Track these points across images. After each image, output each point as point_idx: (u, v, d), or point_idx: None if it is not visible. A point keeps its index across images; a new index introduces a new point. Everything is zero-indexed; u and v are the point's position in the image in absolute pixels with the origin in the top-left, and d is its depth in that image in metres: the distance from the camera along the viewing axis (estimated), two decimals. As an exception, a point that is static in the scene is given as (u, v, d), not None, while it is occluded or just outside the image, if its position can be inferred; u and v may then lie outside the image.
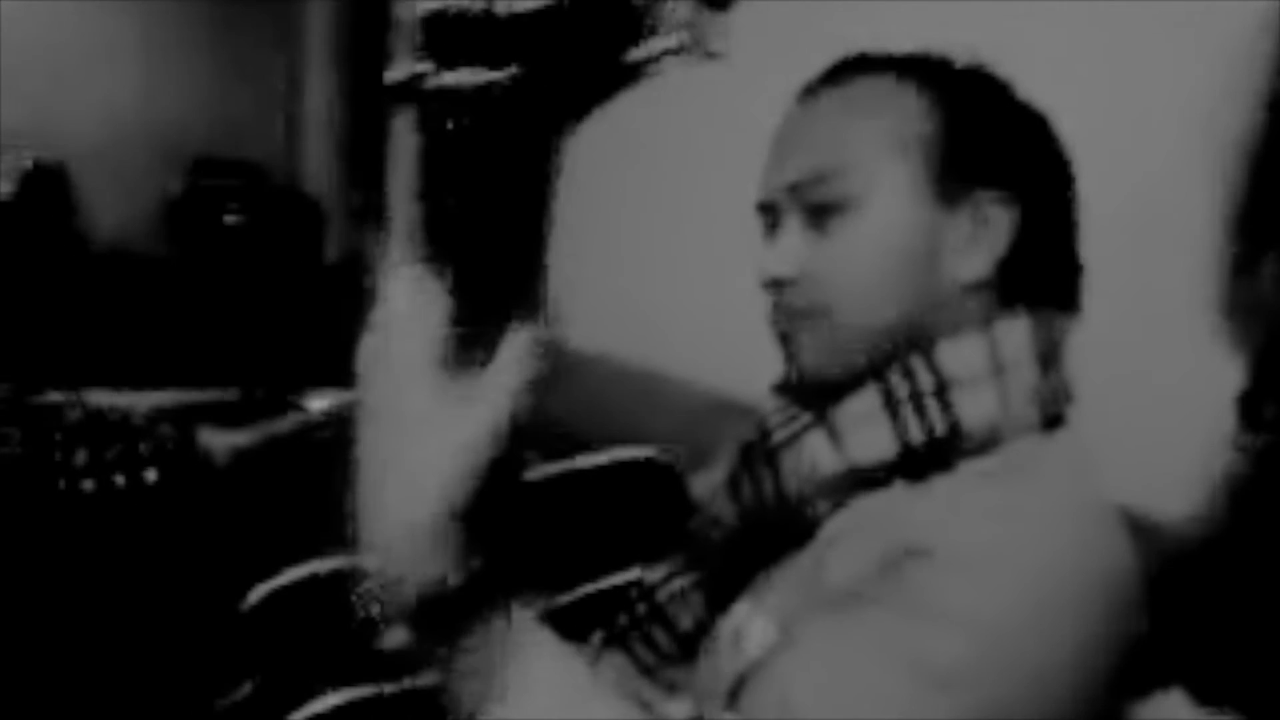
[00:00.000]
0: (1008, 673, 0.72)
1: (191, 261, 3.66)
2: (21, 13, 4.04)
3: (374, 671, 0.92)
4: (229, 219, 3.71)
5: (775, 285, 0.92)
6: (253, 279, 3.38)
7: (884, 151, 0.88)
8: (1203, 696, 0.56)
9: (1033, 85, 0.93)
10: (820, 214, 0.89)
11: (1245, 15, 0.56)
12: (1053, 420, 0.87)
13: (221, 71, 4.37)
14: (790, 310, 0.91)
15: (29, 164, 3.83)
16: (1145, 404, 1.18)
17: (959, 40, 0.94)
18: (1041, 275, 0.89)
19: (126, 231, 3.93)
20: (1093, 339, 0.92)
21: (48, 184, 3.85)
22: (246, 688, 0.96)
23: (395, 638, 0.64)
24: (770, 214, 0.94)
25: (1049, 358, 0.87)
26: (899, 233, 0.88)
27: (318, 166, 4.16)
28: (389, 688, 0.91)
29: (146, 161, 4.14)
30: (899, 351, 0.86)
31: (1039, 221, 0.89)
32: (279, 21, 4.38)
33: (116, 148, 4.19)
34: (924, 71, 0.92)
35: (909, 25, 1.02)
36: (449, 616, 0.63)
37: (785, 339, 0.93)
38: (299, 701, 0.90)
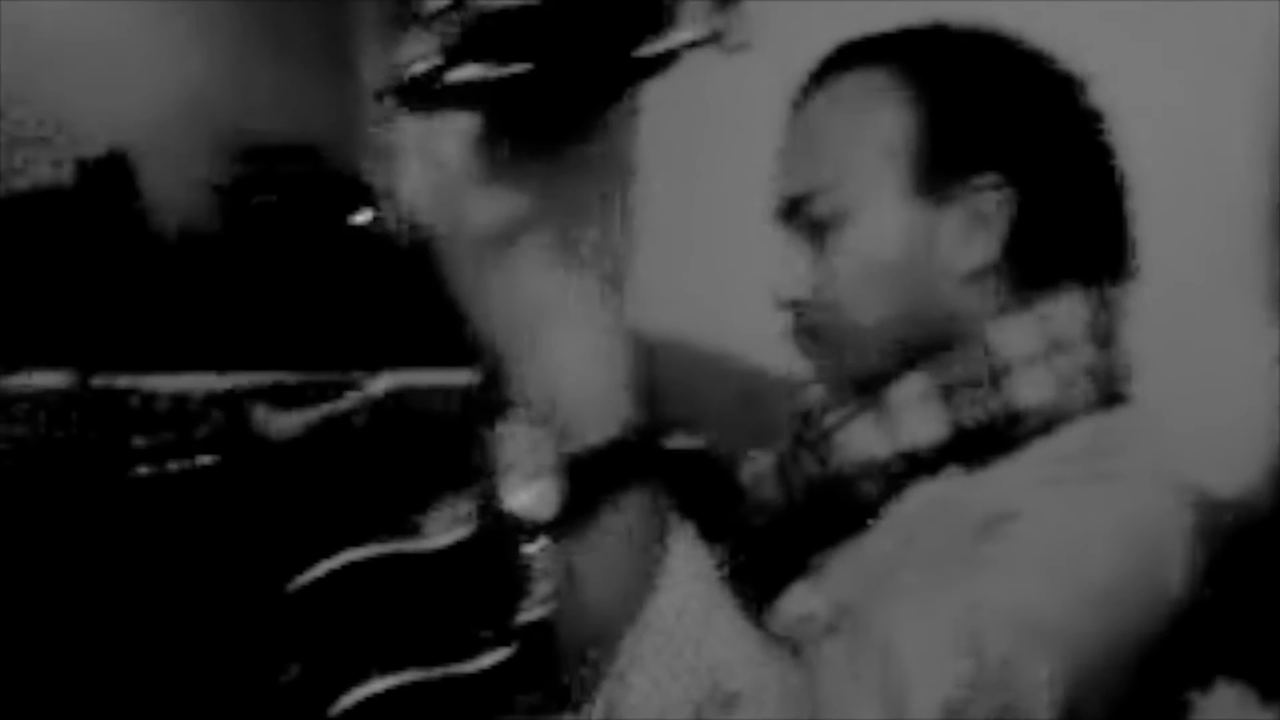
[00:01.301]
0: (1101, 633, 0.72)
1: (249, 245, 3.70)
2: (80, 3, 4.09)
3: (423, 656, 0.93)
4: (283, 201, 3.75)
5: (788, 306, 0.92)
6: (309, 262, 3.40)
7: (868, 159, 0.87)
8: (1266, 692, 0.55)
9: (1085, 58, 0.91)
10: (817, 231, 0.89)
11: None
12: (1113, 397, 0.85)
13: (276, 58, 4.40)
14: (803, 329, 0.92)
15: (90, 152, 3.88)
16: (1203, 380, 1.16)
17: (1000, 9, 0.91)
18: (1074, 247, 0.87)
19: (187, 217, 3.97)
20: (1150, 314, 0.90)
21: (109, 172, 3.90)
22: (295, 670, 0.97)
23: (534, 498, 0.61)
24: (784, 223, 0.93)
25: (1105, 333, 0.86)
26: (890, 241, 0.86)
27: (369, 151, 4.18)
28: (437, 673, 0.91)
29: (204, 147, 4.19)
30: (930, 341, 0.85)
31: (1046, 197, 0.86)
32: (332, 9, 4.40)
33: (175, 134, 4.24)
34: (908, 58, 0.89)
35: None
36: (606, 476, 0.60)
37: (804, 354, 0.93)
38: (348, 685, 0.91)
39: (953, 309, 0.86)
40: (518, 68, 0.50)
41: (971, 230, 0.86)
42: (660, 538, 0.62)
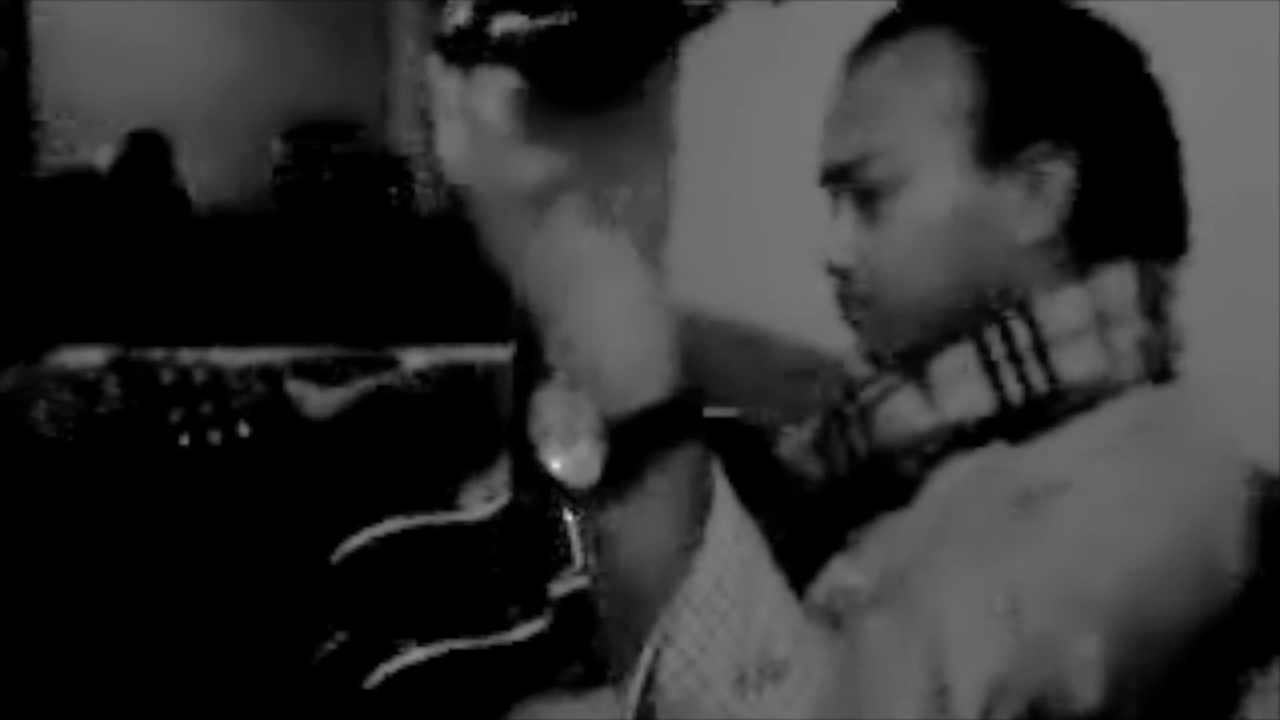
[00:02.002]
0: (1148, 609, 0.70)
1: (288, 222, 3.73)
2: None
3: (460, 628, 0.93)
4: (324, 179, 3.77)
5: (835, 273, 0.90)
6: (348, 239, 3.42)
7: (926, 124, 0.85)
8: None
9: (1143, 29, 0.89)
10: (869, 198, 0.87)
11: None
12: (1163, 372, 0.84)
13: (316, 39, 4.42)
14: (851, 298, 0.90)
15: (129, 131, 3.91)
16: (1254, 356, 1.14)
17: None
18: (1131, 220, 0.85)
19: (227, 194, 4.00)
20: (1199, 288, 0.88)
21: (148, 150, 3.93)
22: (336, 641, 0.97)
23: (574, 466, 0.59)
24: (830, 189, 0.91)
25: (1155, 307, 0.84)
26: (948, 208, 0.84)
27: (408, 127, 4.19)
28: (473, 643, 0.91)
29: (244, 126, 4.21)
30: (982, 313, 0.84)
31: (1108, 167, 0.84)
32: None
33: (216, 114, 4.27)
34: (969, 20, 0.87)
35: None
36: (649, 440, 0.58)
37: (851, 323, 0.92)
38: (385, 657, 0.91)
39: (1006, 281, 0.85)
40: (561, 17, 0.49)
41: (1031, 200, 0.84)
42: (704, 502, 0.61)
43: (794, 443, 1.01)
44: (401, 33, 4.27)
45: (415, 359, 1.95)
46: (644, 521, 0.60)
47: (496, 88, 0.53)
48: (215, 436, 1.18)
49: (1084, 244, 0.85)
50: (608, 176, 0.56)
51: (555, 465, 0.59)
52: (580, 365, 0.58)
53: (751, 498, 0.68)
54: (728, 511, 0.61)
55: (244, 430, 1.19)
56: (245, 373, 1.24)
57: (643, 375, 0.58)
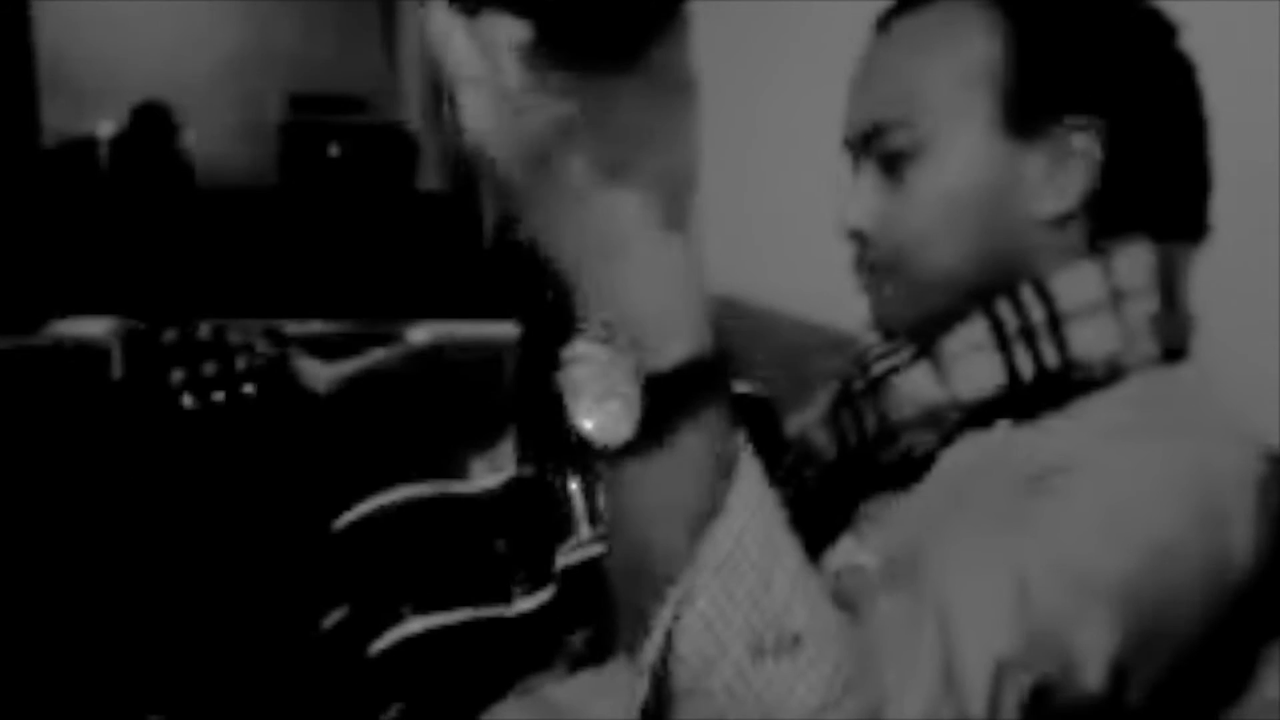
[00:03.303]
0: (1159, 590, 0.70)
1: (291, 195, 3.72)
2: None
3: (462, 598, 0.92)
4: (329, 152, 3.76)
5: (854, 237, 0.89)
6: (351, 211, 3.41)
7: (953, 91, 0.84)
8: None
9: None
10: (893, 162, 0.86)
11: None
12: (1174, 352, 0.83)
13: (322, 10, 4.40)
14: (869, 263, 0.89)
15: (133, 105, 3.90)
16: (1265, 336, 1.13)
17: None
18: (1153, 199, 0.84)
19: (231, 166, 3.99)
20: (1212, 268, 0.87)
21: (152, 122, 3.92)
22: (341, 611, 0.97)
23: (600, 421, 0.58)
24: (853, 153, 0.90)
25: (1170, 286, 0.83)
26: (972, 177, 0.83)
27: (413, 100, 4.18)
28: (476, 614, 0.91)
29: (249, 98, 4.20)
30: (998, 287, 0.83)
31: (1136, 144, 0.83)
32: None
33: (221, 85, 4.25)
34: None
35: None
36: (677, 397, 0.57)
37: (867, 289, 0.91)
38: (390, 625, 0.90)
39: (1027, 253, 0.84)
40: None
41: (1057, 172, 0.83)
42: (728, 466, 0.60)
43: (804, 419, 1.00)
44: (408, 4, 4.25)
45: (419, 333, 1.94)
46: (669, 481, 0.59)
47: (506, 40, 0.52)
48: (219, 397, 1.16)
49: (1104, 220, 0.84)
50: (628, 130, 0.55)
51: (586, 423, 0.58)
52: (610, 324, 0.57)
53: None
54: (751, 477, 0.60)
55: (249, 389, 1.18)
56: (247, 334, 1.22)
57: (677, 329, 0.57)
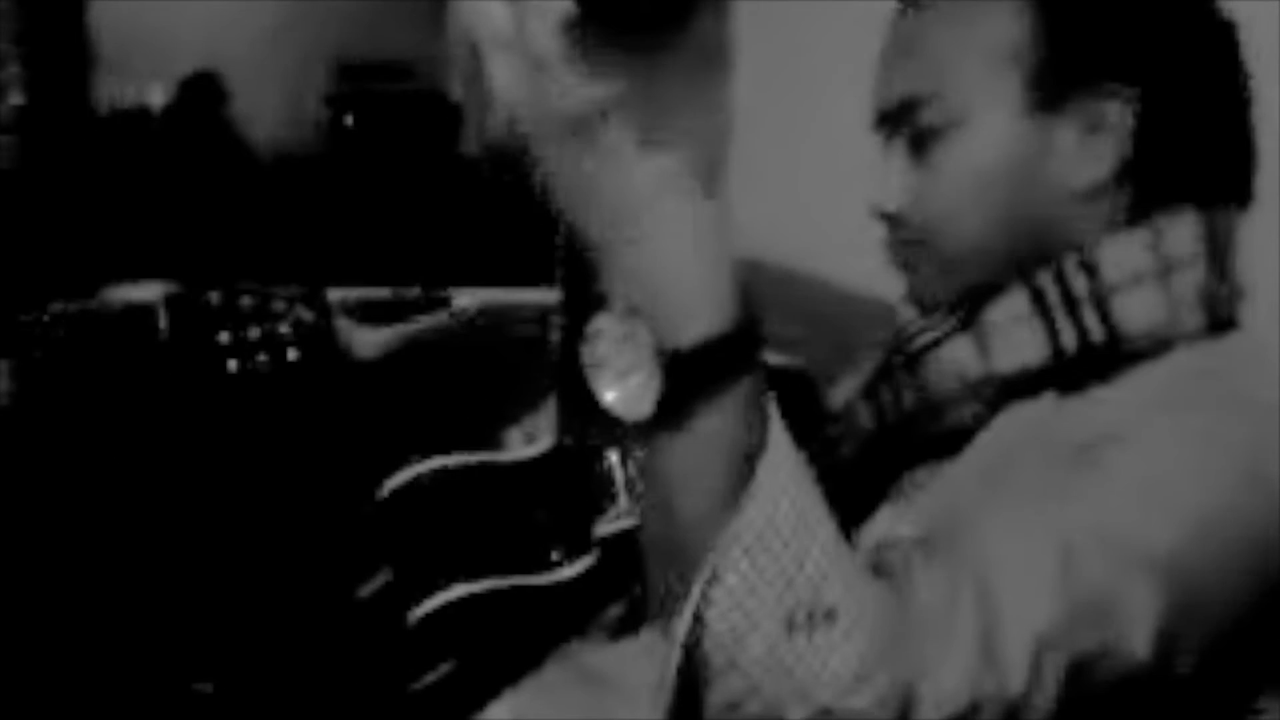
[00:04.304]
0: (1206, 562, 0.69)
1: (338, 162, 3.74)
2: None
3: (501, 566, 0.93)
4: (376, 120, 3.77)
5: (885, 218, 0.89)
6: (399, 179, 3.42)
7: (980, 66, 0.83)
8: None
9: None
10: (922, 140, 0.85)
11: None
12: (1223, 322, 0.82)
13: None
14: (902, 244, 0.89)
15: (183, 73, 3.93)
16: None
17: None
18: (1195, 166, 0.83)
19: (278, 134, 4.01)
20: (1261, 237, 0.86)
21: (201, 92, 3.95)
22: (383, 577, 0.98)
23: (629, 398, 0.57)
24: (883, 133, 0.90)
25: (1218, 255, 0.82)
26: (1002, 151, 0.83)
27: (460, 68, 4.18)
28: (515, 581, 0.91)
29: (296, 66, 4.22)
30: (1035, 259, 0.82)
31: (1172, 110, 0.82)
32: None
33: (269, 53, 4.27)
34: None
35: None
36: (705, 371, 0.57)
37: (902, 267, 0.90)
38: (430, 592, 0.91)
39: (1062, 226, 0.83)
40: None
41: (1089, 143, 0.82)
42: (758, 440, 0.59)
43: (844, 392, 1.00)
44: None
45: (465, 299, 1.95)
46: (696, 457, 0.59)
47: (546, 10, 0.52)
48: (263, 360, 1.17)
49: (1145, 189, 0.82)
50: (661, 104, 0.54)
51: (608, 396, 0.58)
52: (637, 296, 0.57)
53: (799, 446, 0.67)
54: (782, 451, 0.60)
55: (292, 355, 1.18)
56: (290, 298, 1.22)
57: (701, 307, 0.57)
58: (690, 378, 0.57)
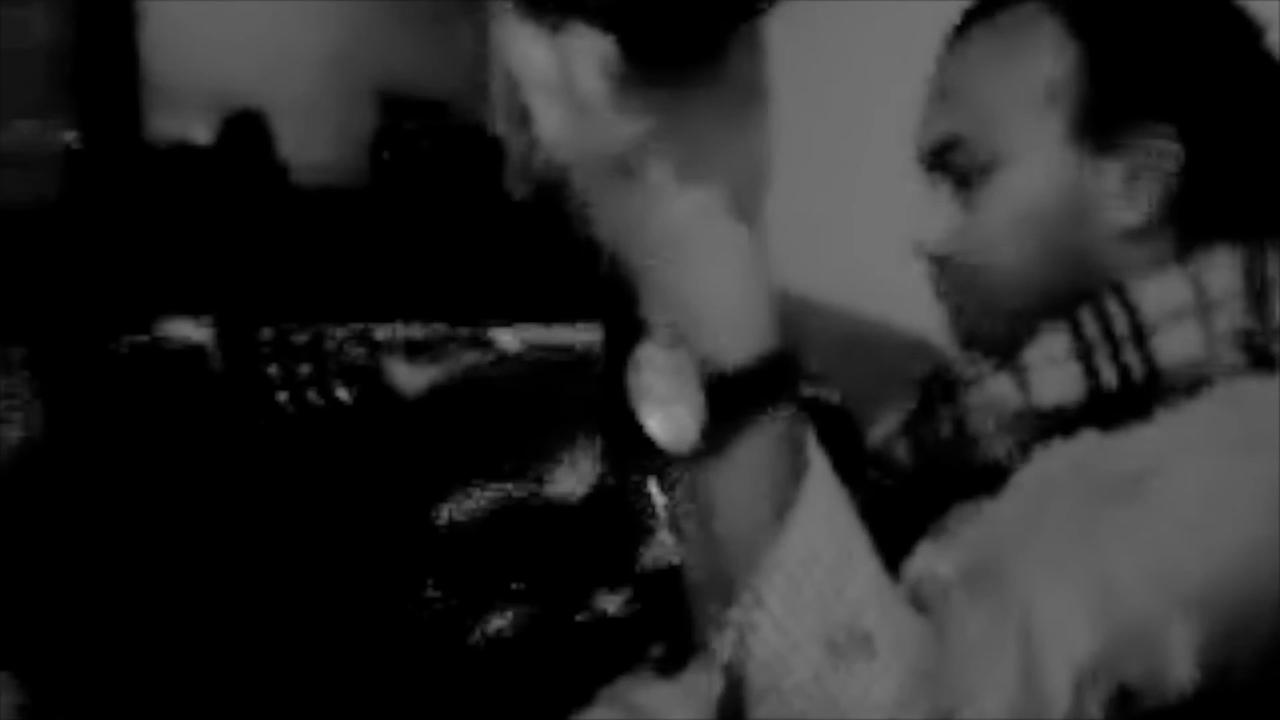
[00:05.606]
0: (1249, 594, 0.69)
1: (382, 198, 3.76)
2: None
3: (548, 599, 0.94)
4: (419, 155, 3.79)
5: (930, 259, 0.89)
6: (442, 216, 3.45)
7: (1023, 106, 0.84)
8: None
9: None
10: (965, 180, 0.86)
11: None
12: (1264, 360, 0.82)
13: (411, 15, 4.45)
14: (945, 282, 0.89)
15: (225, 116, 3.96)
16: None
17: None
18: (1240, 204, 0.83)
19: (321, 171, 4.05)
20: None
21: (245, 129, 3.98)
22: (428, 605, 0.98)
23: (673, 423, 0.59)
24: (927, 172, 0.90)
25: (1261, 293, 0.82)
26: (1047, 192, 0.84)
27: (500, 106, 4.20)
28: (563, 615, 0.92)
29: (340, 102, 4.25)
30: (1080, 300, 0.82)
31: (1218, 148, 0.82)
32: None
33: (313, 88, 4.31)
34: None
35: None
36: (745, 399, 0.58)
37: (946, 308, 0.91)
38: (475, 624, 0.92)
39: (1106, 266, 0.83)
40: None
41: (1134, 183, 0.83)
42: (798, 468, 0.61)
43: (884, 428, 1.01)
44: (495, 16, 4.29)
45: (509, 338, 1.96)
46: (738, 483, 0.60)
47: (590, 53, 0.54)
48: (314, 397, 1.19)
49: (1188, 228, 0.83)
50: (701, 136, 0.56)
51: (652, 424, 0.60)
52: (678, 326, 0.59)
53: (839, 480, 0.68)
54: (822, 477, 0.61)
55: (343, 394, 1.20)
56: (341, 338, 1.25)
57: (741, 332, 0.59)
58: (732, 402, 0.58)
